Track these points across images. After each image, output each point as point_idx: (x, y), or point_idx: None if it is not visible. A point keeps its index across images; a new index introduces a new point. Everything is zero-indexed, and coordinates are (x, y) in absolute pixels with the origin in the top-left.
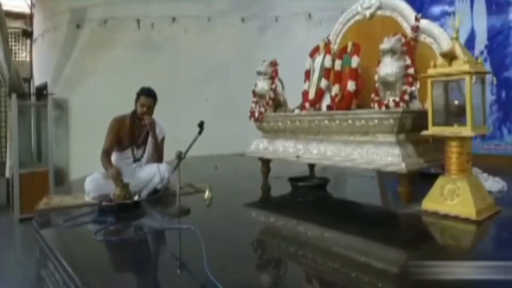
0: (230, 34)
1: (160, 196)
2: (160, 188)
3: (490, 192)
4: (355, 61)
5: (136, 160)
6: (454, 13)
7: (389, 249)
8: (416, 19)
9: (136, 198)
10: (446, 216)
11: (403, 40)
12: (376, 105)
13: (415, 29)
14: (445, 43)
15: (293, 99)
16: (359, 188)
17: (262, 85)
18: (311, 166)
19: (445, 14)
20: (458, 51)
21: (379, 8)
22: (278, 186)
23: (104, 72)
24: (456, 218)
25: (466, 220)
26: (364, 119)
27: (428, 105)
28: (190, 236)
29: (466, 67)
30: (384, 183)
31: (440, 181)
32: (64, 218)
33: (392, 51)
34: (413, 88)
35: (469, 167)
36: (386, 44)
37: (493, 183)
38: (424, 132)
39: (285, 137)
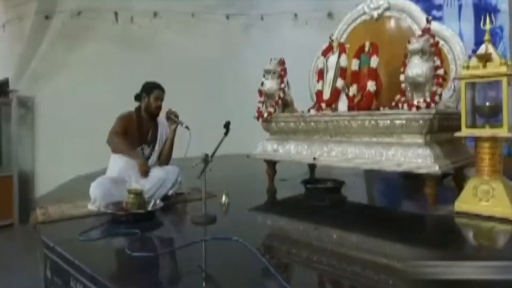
0: (214, 31)
1: (172, 203)
2: (171, 194)
3: None
4: (374, 61)
5: (146, 158)
6: (442, 18)
7: (436, 252)
8: (428, 21)
9: (155, 205)
10: (481, 217)
11: (431, 40)
12: (405, 105)
13: (427, 31)
14: (457, 46)
15: None
16: (373, 190)
17: (271, 84)
18: (312, 168)
19: (433, 18)
20: (494, 53)
21: (387, 9)
22: (287, 189)
23: (77, 68)
24: (492, 218)
25: (504, 220)
26: (391, 119)
27: (461, 106)
28: (231, 246)
29: (504, 69)
30: (394, 184)
31: (472, 182)
32: (74, 230)
33: (422, 52)
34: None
35: (501, 168)
36: (415, 44)
37: None
38: (457, 134)
39: (297, 138)
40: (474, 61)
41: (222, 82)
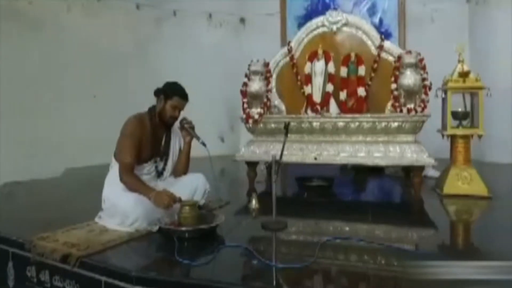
0: (123, 20)
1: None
2: (203, 204)
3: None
4: (362, 70)
5: (159, 174)
6: None
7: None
8: (382, 40)
9: (217, 218)
10: (464, 196)
11: (419, 56)
12: (405, 110)
13: (381, 48)
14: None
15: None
16: (352, 185)
17: (259, 85)
18: (269, 167)
19: None
20: (471, 71)
21: (345, 24)
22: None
23: None
24: (473, 196)
25: (482, 197)
26: (389, 121)
27: (448, 111)
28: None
29: (480, 84)
30: (367, 179)
31: (453, 171)
32: (142, 259)
33: (415, 65)
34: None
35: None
36: (411, 59)
37: (433, 171)
38: (446, 132)
39: (288, 139)
40: (455, 76)
41: (129, 78)
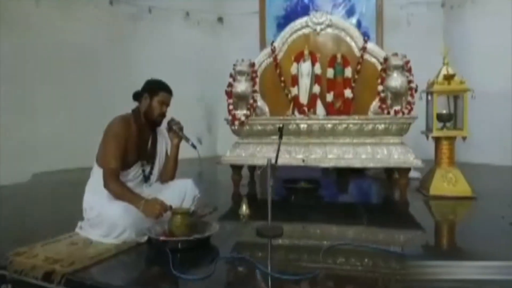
0: (95, 16)
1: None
2: (192, 211)
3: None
4: (348, 71)
5: (146, 179)
6: None
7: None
8: (365, 41)
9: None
10: (451, 197)
11: (405, 59)
12: (392, 112)
13: (364, 49)
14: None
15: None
16: (338, 187)
17: (245, 86)
18: (252, 169)
19: None
20: (456, 74)
21: (329, 26)
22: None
23: None
24: (458, 197)
25: (467, 198)
26: (376, 123)
27: (434, 113)
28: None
29: (464, 86)
30: (350, 181)
31: (439, 172)
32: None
33: (402, 68)
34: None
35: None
36: (399, 61)
37: (414, 172)
38: (432, 134)
39: (273, 141)
40: (440, 78)
41: (102, 77)
